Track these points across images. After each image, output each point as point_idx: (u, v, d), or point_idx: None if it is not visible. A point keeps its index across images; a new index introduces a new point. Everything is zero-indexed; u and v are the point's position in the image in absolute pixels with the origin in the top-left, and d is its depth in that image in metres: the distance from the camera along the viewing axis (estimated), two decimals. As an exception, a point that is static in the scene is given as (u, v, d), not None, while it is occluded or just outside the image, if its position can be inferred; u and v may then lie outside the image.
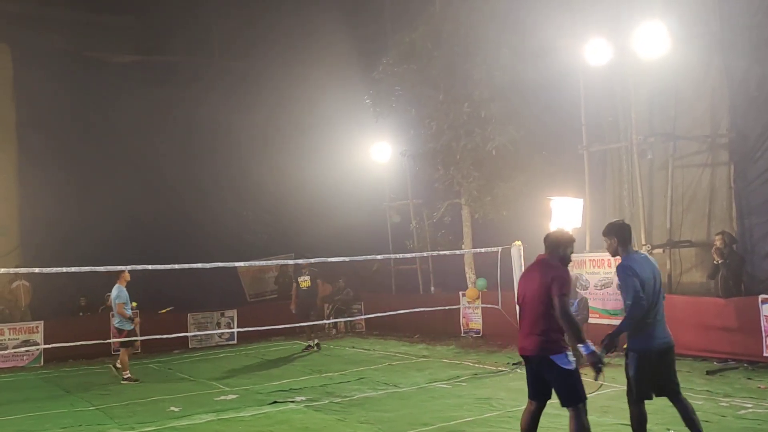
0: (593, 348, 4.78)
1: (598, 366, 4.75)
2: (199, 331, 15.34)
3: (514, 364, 10.28)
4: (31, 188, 16.05)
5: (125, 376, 10.82)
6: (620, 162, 12.48)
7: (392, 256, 14.53)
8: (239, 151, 17.99)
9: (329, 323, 16.25)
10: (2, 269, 8.83)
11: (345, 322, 16.32)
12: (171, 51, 18.96)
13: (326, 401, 8.42)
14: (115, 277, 10.92)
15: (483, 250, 11.68)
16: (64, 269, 8.29)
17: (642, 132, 11.52)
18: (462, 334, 13.97)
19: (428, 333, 14.44)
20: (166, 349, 14.10)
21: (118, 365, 11.05)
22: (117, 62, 17.95)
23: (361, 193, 17.10)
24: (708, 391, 7.66)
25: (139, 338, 10.93)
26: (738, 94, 10.51)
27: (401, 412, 7.63)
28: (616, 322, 9.79)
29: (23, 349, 13.38)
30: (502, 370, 10.01)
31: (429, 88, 13.71)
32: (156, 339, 11.25)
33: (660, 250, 11.18)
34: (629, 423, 6.29)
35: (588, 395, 4.92)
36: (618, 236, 5.30)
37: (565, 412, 4.85)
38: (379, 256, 13.37)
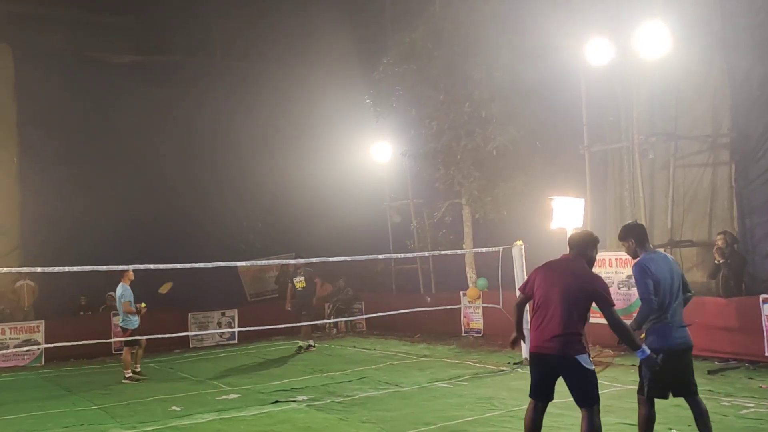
0: (648, 352, 4.89)
1: (655, 368, 4.93)
2: (199, 330, 15.35)
3: (515, 363, 10.29)
4: (32, 188, 16.06)
5: (126, 376, 10.83)
6: (621, 162, 12.48)
7: (394, 255, 14.53)
8: (239, 150, 17.99)
9: (330, 323, 16.26)
10: (5, 269, 8.79)
11: (346, 321, 16.32)
12: (171, 51, 18.95)
13: (328, 401, 8.41)
14: (119, 276, 10.93)
15: (484, 249, 11.68)
16: (66, 269, 8.29)
17: (643, 132, 11.52)
18: (463, 334, 13.97)
19: (429, 333, 14.45)
20: (167, 348, 14.10)
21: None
22: (117, 62, 17.95)
23: (362, 193, 17.10)
24: (710, 390, 7.65)
25: (141, 337, 10.88)
26: (739, 94, 10.52)
27: (403, 411, 7.63)
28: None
29: (24, 348, 13.38)
30: (503, 370, 10.01)
31: (429, 88, 13.72)
32: (157, 338, 11.23)
33: (661, 250, 11.18)
34: (632, 422, 6.32)
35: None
36: (635, 237, 5.31)
37: (568, 412, 4.86)
38: (380, 256, 13.35)
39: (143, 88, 17.05)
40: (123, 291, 10.90)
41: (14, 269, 10.63)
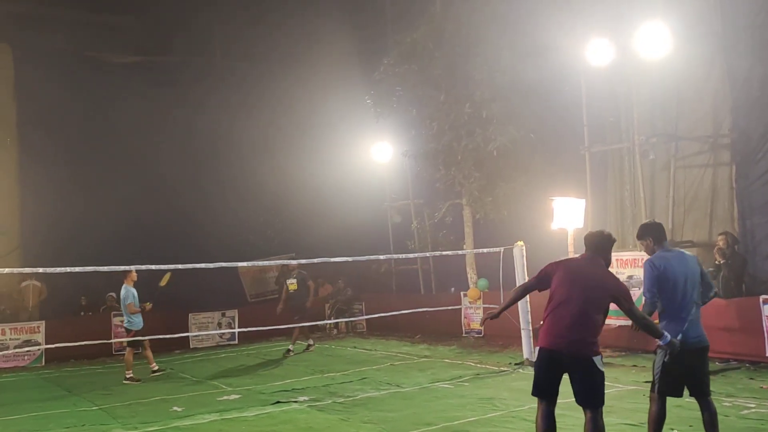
0: (670, 337, 4.96)
1: (675, 351, 5.00)
2: (200, 331, 15.34)
3: (516, 364, 10.30)
4: (32, 188, 16.07)
5: (127, 376, 10.83)
6: (622, 162, 12.49)
7: (395, 256, 14.54)
8: (240, 150, 18.00)
9: (330, 323, 16.25)
10: (7, 269, 8.79)
11: (346, 322, 16.31)
12: (172, 51, 18.95)
13: (329, 401, 8.41)
14: (123, 276, 10.94)
15: (485, 250, 11.67)
16: (68, 269, 8.28)
17: (644, 132, 11.53)
18: (463, 335, 13.98)
19: (429, 333, 14.46)
20: (167, 349, 14.07)
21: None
22: (118, 62, 17.96)
23: (362, 193, 17.10)
24: (711, 391, 7.65)
25: (143, 338, 10.89)
26: (740, 95, 10.52)
27: (404, 412, 7.63)
28: (615, 321, 9.91)
29: (25, 349, 13.37)
30: (505, 370, 10.01)
31: (430, 88, 13.72)
32: (157, 339, 11.24)
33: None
34: (634, 423, 6.33)
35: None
36: (653, 235, 5.35)
37: (569, 412, 4.85)
38: (382, 256, 13.34)
39: (144, 88, 17.06)
40: (126, 292, 10.92)
41: (16, 270, 10.62)
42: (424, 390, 8.91)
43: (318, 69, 18.01)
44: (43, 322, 14.05)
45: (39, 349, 13.60)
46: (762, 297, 8.98)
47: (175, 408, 8.51)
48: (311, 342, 13.46)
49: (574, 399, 4.84)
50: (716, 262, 10.00)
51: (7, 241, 16.07)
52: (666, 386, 5.09)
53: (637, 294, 9.81)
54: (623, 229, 12.36)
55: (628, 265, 10.73)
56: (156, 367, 11.36)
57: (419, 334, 14.66)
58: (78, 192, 16.03)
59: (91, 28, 18.81)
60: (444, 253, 12.88)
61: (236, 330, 15.42)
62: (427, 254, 14.38)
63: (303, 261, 11.36)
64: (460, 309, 13.98)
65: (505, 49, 12.59)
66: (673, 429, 6.12)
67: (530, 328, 10.28)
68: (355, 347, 13.98)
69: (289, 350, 13.04)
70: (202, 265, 9.01)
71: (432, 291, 16.21)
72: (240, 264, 12.12)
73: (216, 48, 19.74)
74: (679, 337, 5.01)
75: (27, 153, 16.41)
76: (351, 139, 16.70)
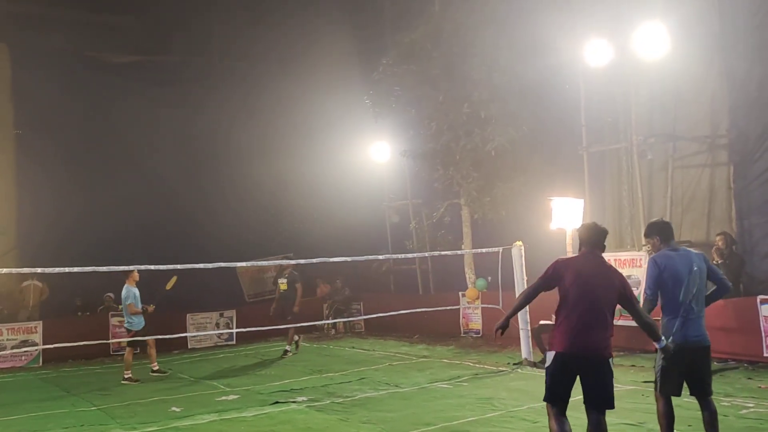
0: (665, 342, 4.97)
1: (668, 354, 5.00)
2: (198, 331, 15.32)
3: (515, 364, 10.30)
4: (30, 188, 16.02)
5: (126, 376, 10.81)
6: (620, 162, 12.50)
7: (393, 256, 14.53)
8: (239, 150, 17.98)
9: (328, 323, 16.24)
10: (5, 269, 8.77)
11: (344, 322, 16.30)
12: (171, 51, 18.93)
13: (328, 401, 8.41)
14: (121, 277, 10.92)
15: (484, 250, 11.68)
16: (67, 269, 8.26)
17: (642, 133, 11.55)
18: (462, 335, 13.99)
19: (428, 333, 14.46)
20: (166, 349, 14.02)
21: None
22: (117, 62, 17.93)
23: (361, 193, 17.11)
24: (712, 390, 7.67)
25: (140, 338, 10.87)
26: (738, 95, 10.54)
27: (403, 412, 7.63)
28: (614, 321, 9.92)
29: (22, 349, 13.34)
30: (503, 370, 10.02)
31: (428, 88, 13.73)
32: (155, 339, 11.22)
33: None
34: (632, 422, 6.35)
35: None
36: (660, 234, 5.35)
37: (569, 413, 4.83)
38: (380, 256, 13.32)
39: (142, 88, 17.04)
40: (127, 292, 10.90)
41: (14, 270, 10.59)
42: (423, 390, 8.91)
43: (317, 69, 18.00)
44: (41, 322, 14.02)
45: (36, 350, 13.57)
46: (759, 297, 9.01)
47: (173, 408, 8.50)
48: (288, 348, 13.11)
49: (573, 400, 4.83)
50: (714, 262, 10.02)
51: (5, 241, 16.04)
52: (667, 386, 5.10)
53: (635, 293, 9.83)
54: (621, 229, 12.39)
55: (626, 265, 10.75)
56: (157, 367, 11.33)
57: (417, 334, 14.67)
58: (76, 192, 15.99)
59: (91, 27, 18.74)
60: (442, 253, 12.89)
61: (234, 330, 15.40)
62: (426, 254, 14.38)
63: (302, 261, 11.33)
64: (459, 309, 13.99)
65: (504, 50, 12.61)
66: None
67: (528, 328, 10.29)
68: (353, 347, 13.97)
69: (286, 351, 13.02)
70: (201, 265, 9.00)
71: (430, 291, 16.21)
72: (238, 264, 12.11)
73: (215, 48, 19.72)
74: (669, 340, 5.02)
75: (25, 153, 16.35)
76: (350, 138, 16.71)
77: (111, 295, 15.04)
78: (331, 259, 10.70)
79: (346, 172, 17.03)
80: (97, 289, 15.33)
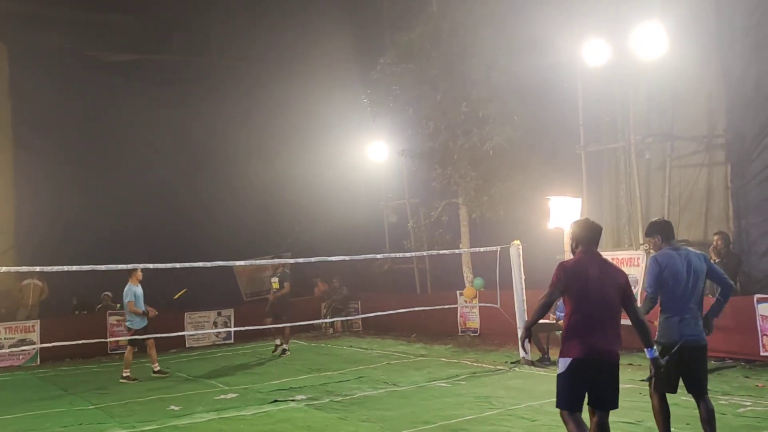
0: (655, 354, 4.89)
1: (659, 369, 4.91)
2: (195, 330, 15.32)
3: (512, 363, 10.33)
4: (28, 187, 16.01)
5: (124, 375, 10.81)
6: (618, 162, 12.53)
7: (391, 255, 14.55)
8: (238, 149, 17.99)
9: (326, 322, 16.25)
10: (4, 268, 8.76)
11: (342, 321, 16.32)
12: (171, 51, 18.93)
13: (327, 400, 8.43)
14: (121, 276, 10.91)
15: (482, 249, 11.71)
16: (66, 268, 8.27)
17: (640, 132, 11.58)
18: (459, 333, 14.01)
19: (426, 332, 14.48)
20: (163, 348, 13.97)
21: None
22: (115, 61, 17.91)
23: (359, 192, 17.12)
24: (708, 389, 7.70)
25: (137, 337, 10.87)
26: (735, 95, 10.57)
27: (402, 410, 7.65)
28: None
29: (19, 348, 13.32)
30: (501, 369, 10.04)
31: (427, 88, 13.74)
32: (153, 338, 11.22)
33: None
34: (630, 421, 6.37)
35: None
36: (661, 233, 5.39)
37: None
38: (378, 255, 13.32)
39: (141, 87, 17.05)
40: (127, 291, 10.91)
41: (13, 268, 10.58)
42: (421, 389, 8.93)
43: (315, 69, 18.02)
44: (38, 321, 14.01)
45: (34, 348, 13.56)
46: (756, 296, 9.04)
47: (172, 407, 8.50)
48: (278, 342, 13.18)
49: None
50: (712, 262, 10.05)
51: (3, 239, 16.02)
52: (661, 384, 5.13)
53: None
54: (619, 228, 12.41)
55: (624, 264, 10.76)
56: (158, 368, 11.29)
57: (415, 333, 14.69)
58: (74, 191, 16.00)
59: (90, 27, 18.72)
60: (440, 252, 12.90)
61: (232, 329, 15.41)
62: (424, 253, 14.40)
63: (300, 260, 11.33)
64: (456, 308, 14.01)
65: (502, 49, 12.63)
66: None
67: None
68: (351, 346, 13.99)
69: (285, 350, 13.03)
70: (200, 264, 9.01)
71: (428, 290, 16.24)
72: (236, 263, 12.11)
73: (215, 48, 19.71)
74: (659, 347, 5.03)
75: (23, 152, 16.33)
76: (348, 138, 16.72)
77: (109, 294, 15.04)
78: (330, 259, 10.71)
79: (344, 171, 17.04)
80: (95, 288, 15.34)
